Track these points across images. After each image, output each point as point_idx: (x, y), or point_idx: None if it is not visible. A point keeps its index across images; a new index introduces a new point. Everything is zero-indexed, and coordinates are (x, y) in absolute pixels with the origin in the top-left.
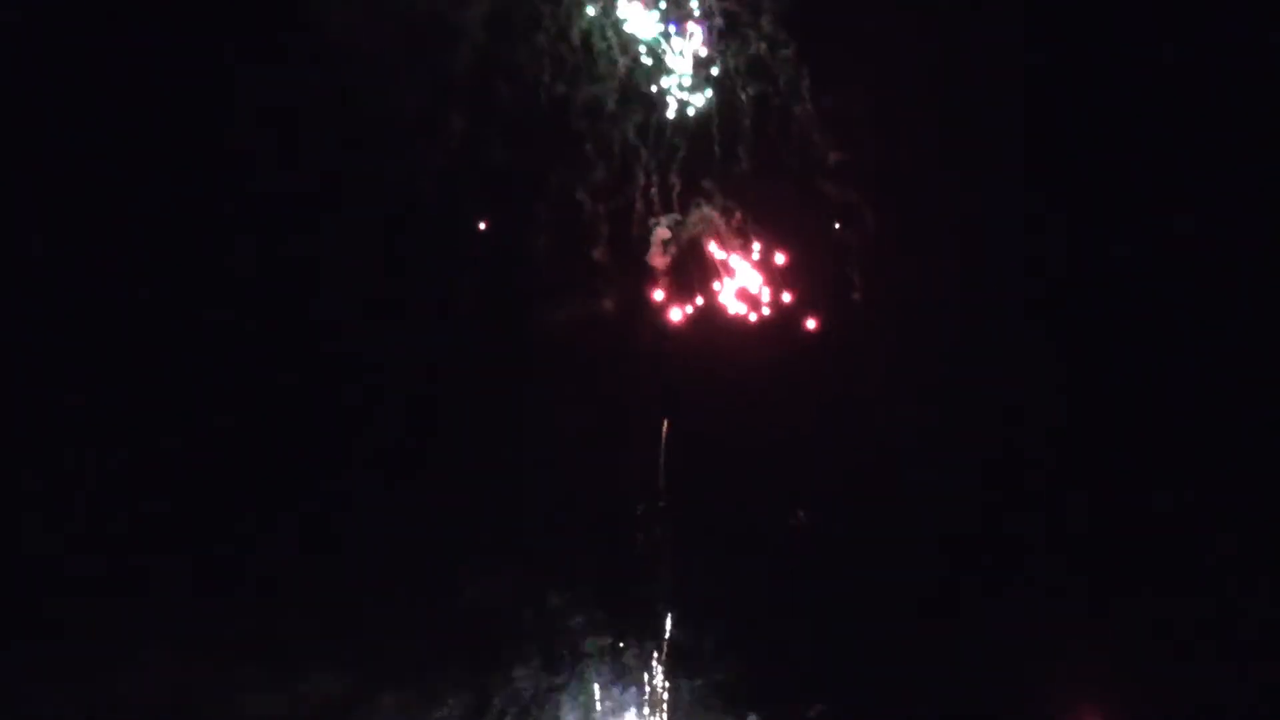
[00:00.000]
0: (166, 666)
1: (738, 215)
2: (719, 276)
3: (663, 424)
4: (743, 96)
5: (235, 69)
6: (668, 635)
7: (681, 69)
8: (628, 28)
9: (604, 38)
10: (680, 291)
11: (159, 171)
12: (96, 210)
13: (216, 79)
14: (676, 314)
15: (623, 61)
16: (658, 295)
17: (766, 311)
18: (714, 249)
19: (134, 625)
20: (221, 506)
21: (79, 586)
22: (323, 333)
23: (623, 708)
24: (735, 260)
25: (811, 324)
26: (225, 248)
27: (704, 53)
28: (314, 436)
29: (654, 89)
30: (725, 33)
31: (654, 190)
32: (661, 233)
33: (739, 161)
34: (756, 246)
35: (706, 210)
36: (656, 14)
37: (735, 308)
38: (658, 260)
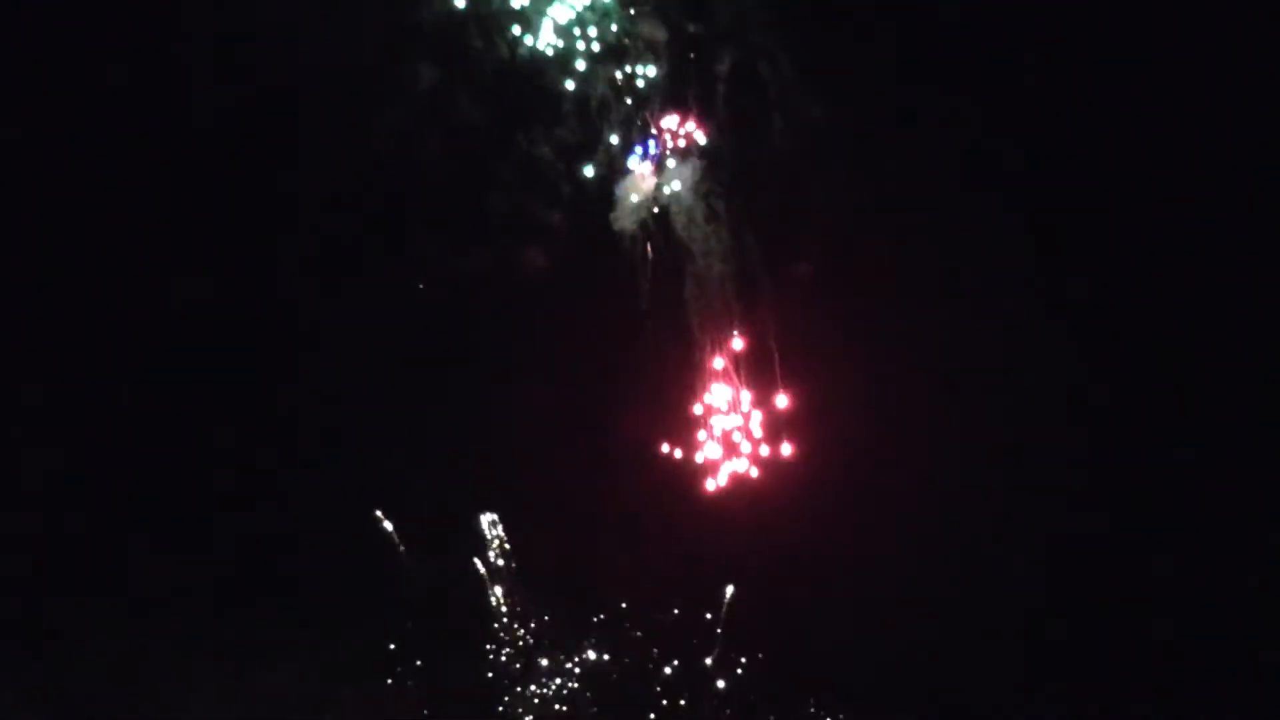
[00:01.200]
0: (124, 664)
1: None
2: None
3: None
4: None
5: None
6: (625, 629)
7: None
8: None
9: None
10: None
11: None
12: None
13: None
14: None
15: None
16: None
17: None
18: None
19: (92, 623)
20: (176, 505)
21: (37, 586)
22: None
23: (582, 701)
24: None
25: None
26: (175, 210)
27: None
28: (267, 434)
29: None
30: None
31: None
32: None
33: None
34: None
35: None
36: None
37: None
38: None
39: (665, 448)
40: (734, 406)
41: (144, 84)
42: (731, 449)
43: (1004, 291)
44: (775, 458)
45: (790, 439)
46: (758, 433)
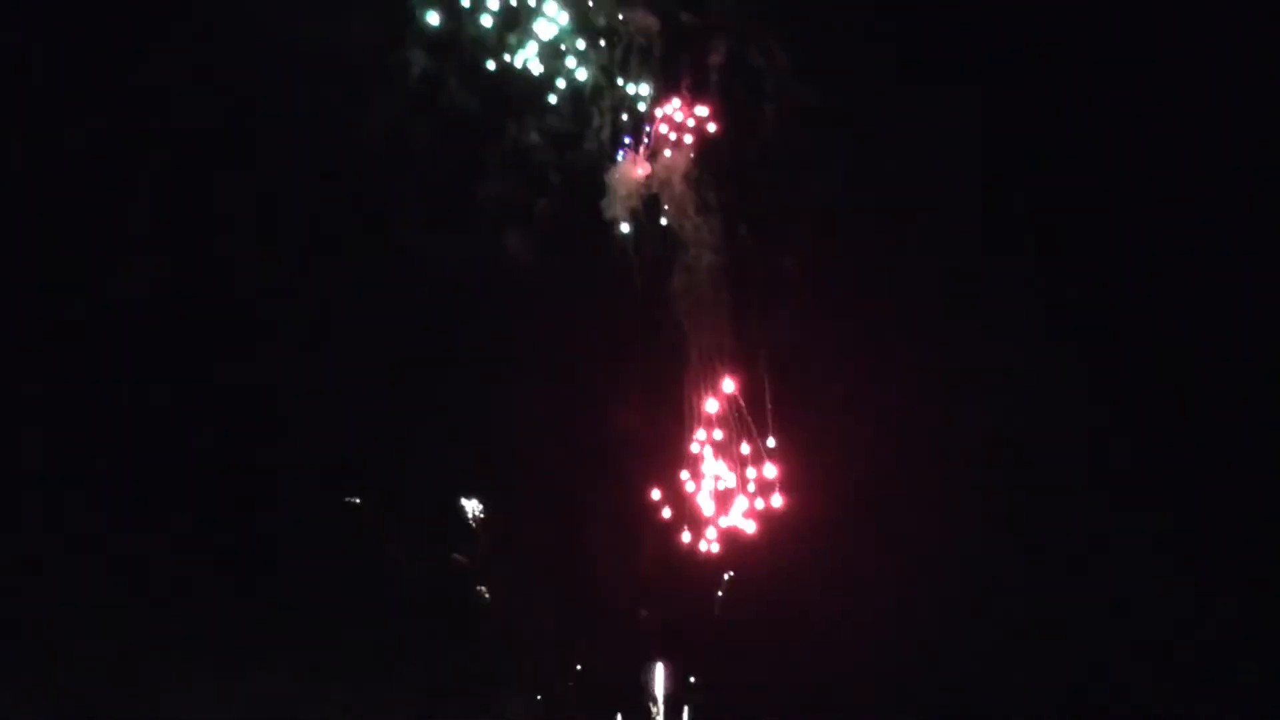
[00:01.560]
0: (123, 664)
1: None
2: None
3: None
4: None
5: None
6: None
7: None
8: None
9: None
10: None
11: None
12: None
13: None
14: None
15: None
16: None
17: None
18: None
19: (91, 623)
20: (174, 505)
21: (26, 586)
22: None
23: (572, 699)
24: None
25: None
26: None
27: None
28: (264, 433)
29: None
30: None
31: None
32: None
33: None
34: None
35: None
36: None
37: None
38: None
39: (661, 442)
40: (731, 403)
41: (136, 80)
42: (729, 444)
43: (1004, 291)
44: (776, 453)
45: (789, 437)
46: (759, 443)
